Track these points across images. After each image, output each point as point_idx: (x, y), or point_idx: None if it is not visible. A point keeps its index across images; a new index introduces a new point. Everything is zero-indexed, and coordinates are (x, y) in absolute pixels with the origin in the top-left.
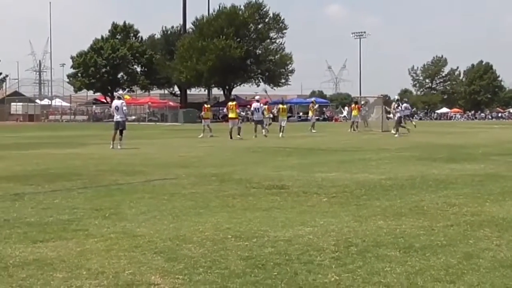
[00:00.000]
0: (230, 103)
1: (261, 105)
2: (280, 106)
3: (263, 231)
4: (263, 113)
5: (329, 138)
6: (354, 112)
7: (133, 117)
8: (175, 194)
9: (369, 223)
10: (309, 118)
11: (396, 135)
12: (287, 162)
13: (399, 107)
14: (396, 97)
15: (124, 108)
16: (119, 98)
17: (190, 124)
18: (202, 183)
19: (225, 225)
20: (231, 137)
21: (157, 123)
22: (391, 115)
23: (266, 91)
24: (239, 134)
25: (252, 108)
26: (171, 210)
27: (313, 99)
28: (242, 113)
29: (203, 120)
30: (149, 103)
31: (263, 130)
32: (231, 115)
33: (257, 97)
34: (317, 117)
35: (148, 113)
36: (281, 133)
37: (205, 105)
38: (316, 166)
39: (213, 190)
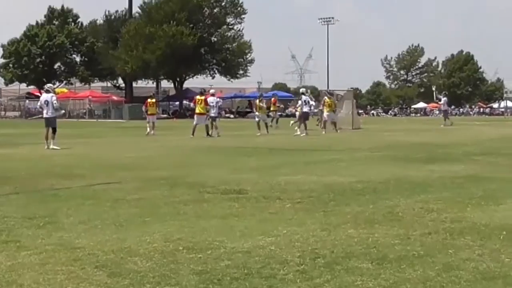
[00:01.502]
0: (198, 96)
1: (217, 99)
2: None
3: (219, 241)
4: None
5: (294, 137)
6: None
7: (62, 111)
8: (119, 200)
9: (338, 231)
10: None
11: (302, 134)
12: (246, 163)
13: (303, 102)
14: (302, 90)
15: (55, 102)
16: (48, 91)
17: (137, 121)
18: (150, 187)
19: (175, 235)
20: (193, 134)
21: (99, 120)
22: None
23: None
24: (208, 134)
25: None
26: (114, 218)
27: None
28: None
29: (148, 117)
30: (90, 97)
31: (217, 131)
32: (198, 110)
33: (212, 91)
34: (280, 113)
35: (88, 108)
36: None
37: (149, 100)
38: (279, 168)
39: (162, 195)
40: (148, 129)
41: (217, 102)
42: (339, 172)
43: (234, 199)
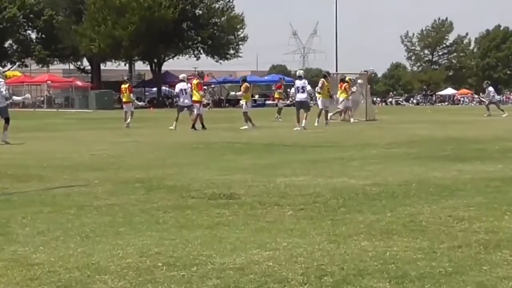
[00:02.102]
0: (194, 81)
1: (189, 85)
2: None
3: (206, 256)
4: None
5: (295, 132)
6: (343, 95)
7: (19, 98)
8: (85, 207)
9: (349, 244)
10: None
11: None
12: (238, 162)
13: (296, 88)
14: (299, 72)
15: (2, 89)
16: None
17: (106, 111)
18: (122, 191)
19: (153, 249)
20: (203, 127)
21: (60, 110)
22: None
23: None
24: (193, 127)
25: (176, 90)
26: (79, 228)
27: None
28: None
29: (124, 105)
30: (48, 82)
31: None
32: (194, 97)
33: (181, 76)
34: (284, 103)
35: (47, 96)
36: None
37: (122, 85)
38: (277, 167)
39: (137, 201)
40: (125, 121)
41: (187, 89)
42: (350, 172)
43: (224, 205)
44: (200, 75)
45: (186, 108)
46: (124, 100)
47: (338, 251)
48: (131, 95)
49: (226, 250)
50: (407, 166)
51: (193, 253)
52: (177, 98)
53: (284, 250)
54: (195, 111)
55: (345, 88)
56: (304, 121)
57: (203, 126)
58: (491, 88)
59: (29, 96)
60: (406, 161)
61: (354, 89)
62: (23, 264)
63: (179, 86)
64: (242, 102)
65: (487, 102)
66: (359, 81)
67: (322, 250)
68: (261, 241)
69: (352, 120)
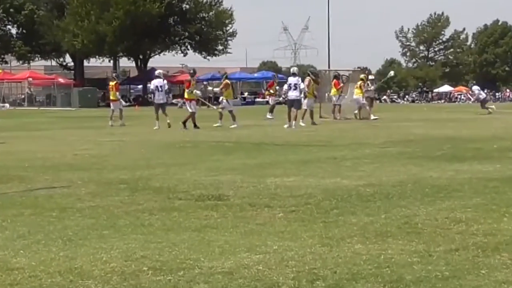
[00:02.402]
0: (189, 78)
1: (165, 81)
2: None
3: (193, 260)
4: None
5: (286, 130)
6: (357, 91)
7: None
8: (67, 209)
9: (342, 247)
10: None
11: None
12: (227, 162)
13: (288, 86)
14: (293, 69)
15: None
16: None
17: (89, 109)
18: (106, 193)
19: (139, 253)
20: (195, 126)
21: (41, 108)
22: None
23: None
24: (184, 125)
25: (152, 87)
26: (61, 231)
27: (365, 75)
28: (197, 92)
29: (111, 103)
30: (29, 79)
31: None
32: (187, 95)
33: (157, 72)
34: (276, 99)
35: (28, 93)
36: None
37: (110, 83)
38: (267, 168)
39: (122, 203)
40: (110, 119)
41: (163, 85)
42: (343, 173)
43: (212, 207)
44: (191, 73)
45: (160, 107)
46: (111, 98)
47: (331, 255)
48: (117, 93)
49: (214, 253)
50: (402, 166)
51: (180, 257)
52: (152, 95)
53: (274, 254)
54: (189, 109)
55: (360, 86)
56: (294, 121)
57: (195, 125)
58: (475, 87)
59: (8, 106)
60: (401, 161)
61: (372, 88)
62: (2, 268)
63: (154, 83)
64: (223, 99)
65: (474, 100)
66: (370, 77)
67: (314, 254)
68: (251, 244)
69: (348, 116)
